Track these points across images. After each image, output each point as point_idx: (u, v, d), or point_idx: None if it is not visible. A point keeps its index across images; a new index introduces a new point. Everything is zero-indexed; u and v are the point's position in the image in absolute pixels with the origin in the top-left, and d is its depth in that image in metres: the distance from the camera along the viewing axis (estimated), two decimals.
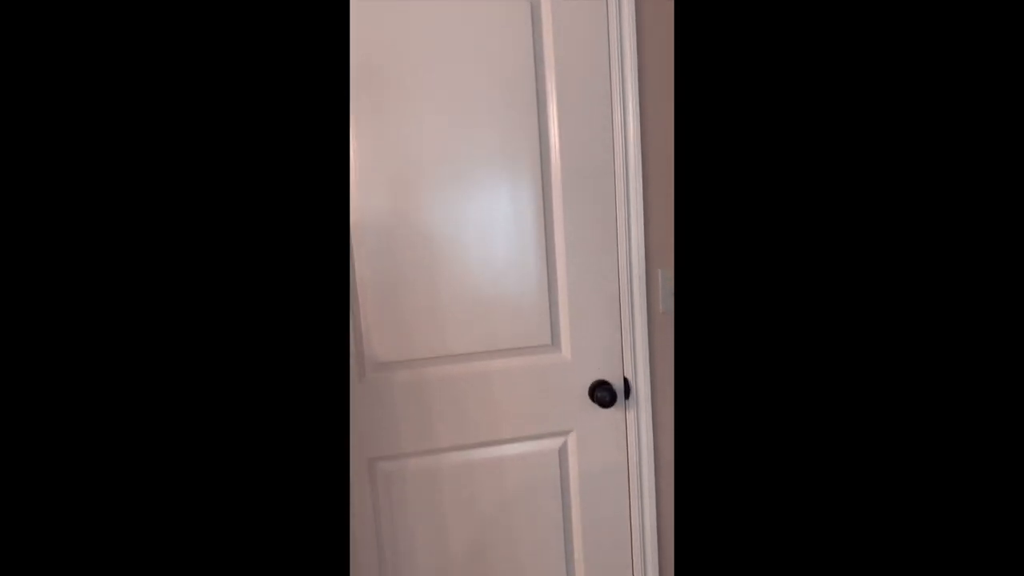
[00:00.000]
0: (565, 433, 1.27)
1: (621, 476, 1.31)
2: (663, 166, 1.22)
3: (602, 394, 1.22)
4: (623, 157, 1.19)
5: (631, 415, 1.28)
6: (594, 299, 1.24)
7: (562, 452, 1.28)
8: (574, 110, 1.17)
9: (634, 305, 1.25)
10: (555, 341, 1.24)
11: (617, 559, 1.34)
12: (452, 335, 1.20)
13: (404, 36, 1.10)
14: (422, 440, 1.21)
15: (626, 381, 1.27)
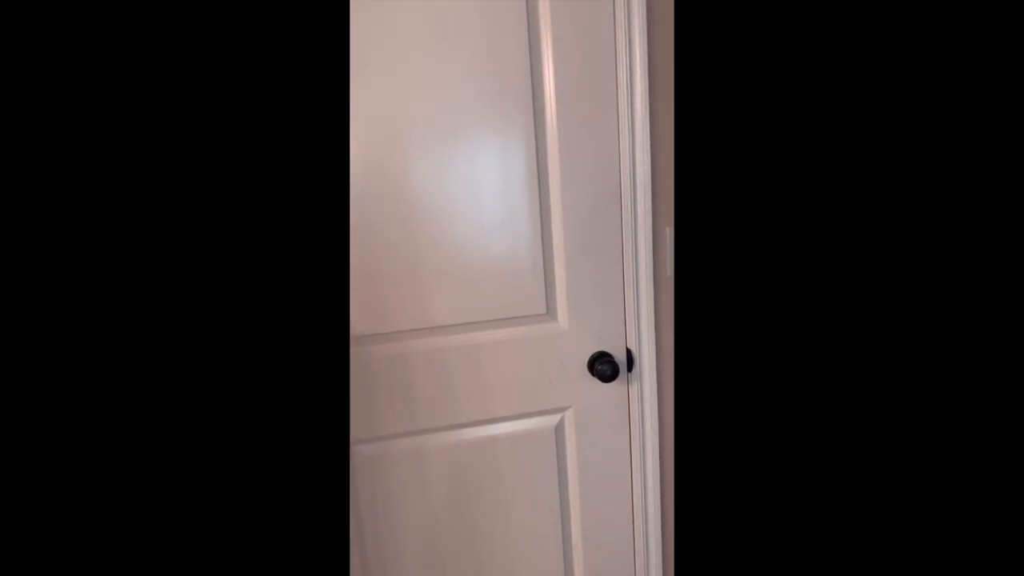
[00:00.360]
0: (562, 410, 1.16)
1: (623, 455, 1.20)
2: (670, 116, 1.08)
3: (602, 367, 1.10)
4: (628, 100, 1.05)
5: (634, 389, 1.17)
6: (594, 262, 1.11)
7: (559, 430, 1.17)
8: (572, 49, 1.02)
9: (639, 268, 1.12)
10: (550, 310, 1.12)
11: (618, 544, 1.26)
12: (436, 305, 1.07)
13: None
14: (404, 420, 1.09)
15: (629, 353, 1.16)
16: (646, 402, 1.18)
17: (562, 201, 1.07)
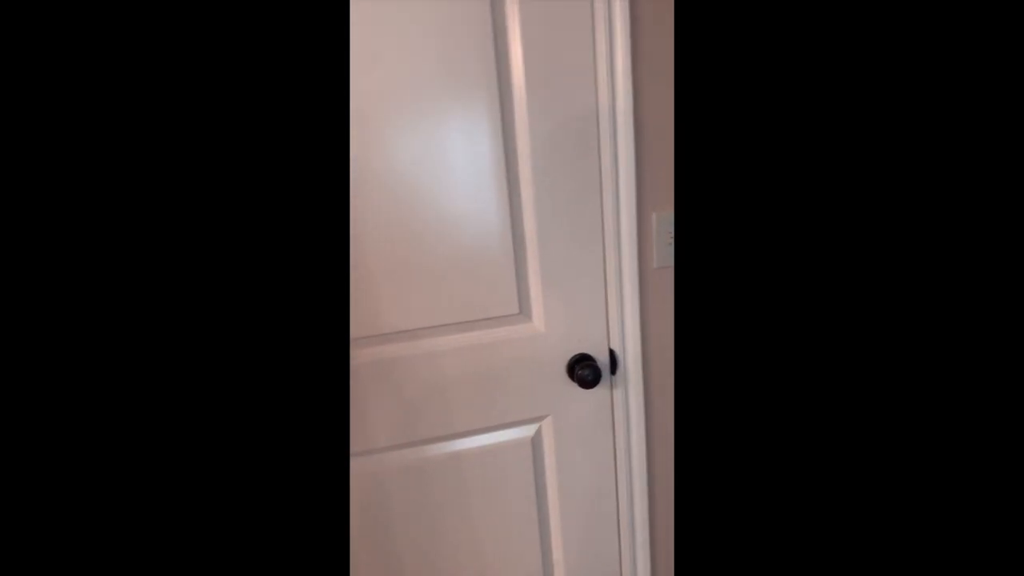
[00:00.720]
0: (539, 419, 1.04)
1: (607, 467, 1.09)
2: (662, 75, 0.94)
3: (583, 372, 0.98)
4: (608, 66, 0.90)
5: (619, 394, 1.05)
6: (571, 255, 0.97)
7: (536, 442, 1.05)
8: (541, 9, 0.87)
9: (622, 260, 0.99)
10: (524, 309, 0.99)
11: (603, 562, 1.15)
12: (388, 308, 0.93)
13: None
14: (355, 439, 0.96)
15: (612, 354, 1.03)
16: (632, 408, 1.06)
17: (534, 187, 0.93)
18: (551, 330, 1.00)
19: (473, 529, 1.06)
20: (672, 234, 1.01)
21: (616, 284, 1.00)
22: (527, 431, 1.04)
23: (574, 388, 1.03)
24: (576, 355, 1.02)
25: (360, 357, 0.93)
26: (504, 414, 1.01)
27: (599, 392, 1.05)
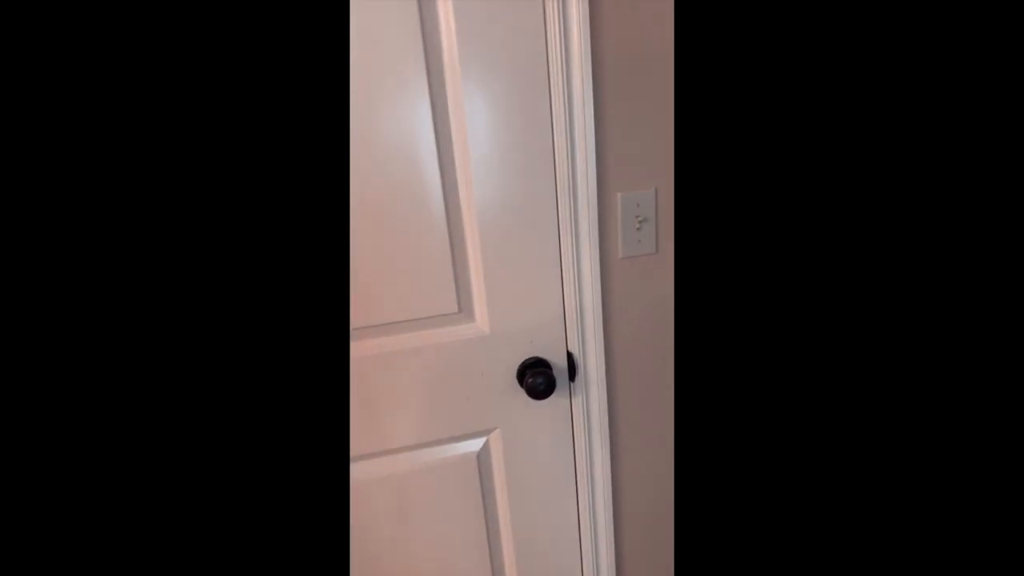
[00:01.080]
0: (485, 433, 0.91)
1: (567, 488, 0.96)
2: (626, 29, 0.77)
3: (534, 379, 0.84)
4: (559, 22, 0.74)
5: (578, 403, 0.91)
6: (521, 244, 0.82)
7: (482, 458, 0.92)
8: None
9: (580, 250, 0.84)
10: (464, 307, 0.84)
11: None
12: None
13: None
14: None
15: (571, 358, 0.89)
16: (594, 420, 0.92)
17: (473, 161, 0.77)
18: (497, 331, 0.85)
19: (409, 556, 0.93)
20: (641, 218, 0.86)
21: (574, 277, 0.85)
22: (472, 445, 0.90)
23: (527, 397, 0.89)
24: (528, 360, 0.88)
25: None
26: (444, 428, 0.88)
27: (556, 401, 0.91)
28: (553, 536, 0.98)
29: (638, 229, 0.86)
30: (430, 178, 0.77)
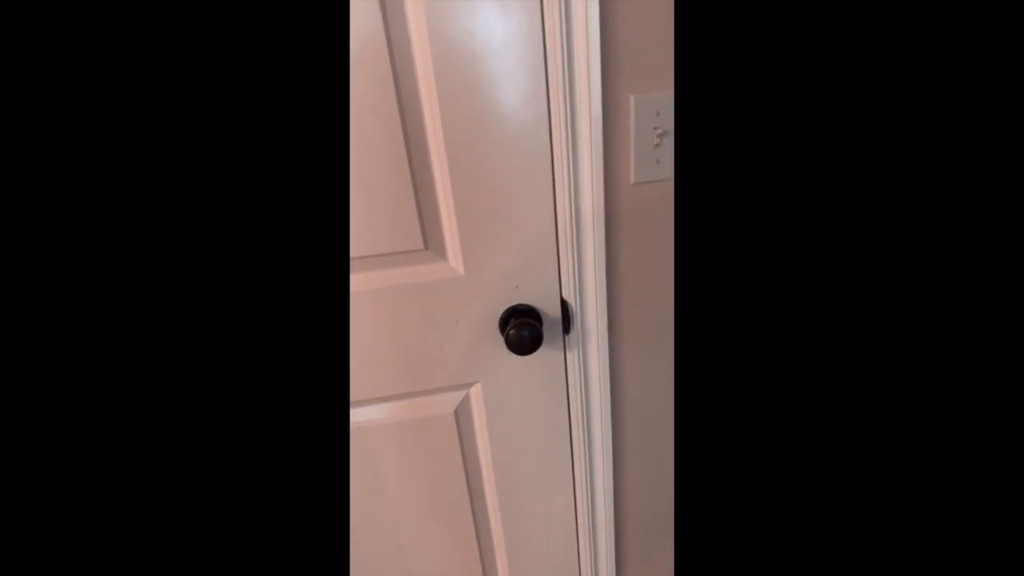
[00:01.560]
0: (464, 387, 0.78)
1: (560, 450, 0.83)
2: None
3: (518, 331, 0.69)
4: None
5: (573, 359, 0.77)
6: (500, 166, 0.65)
7: (461, 415, 0.80)
8: None
9: (578, 172, 0.66)
10: (432, 244, 0.69)
11: (560, 573, 0.93)
12: None
13: None
14: None
15: (566, 307, 0.74)
16: (591, 376, 0.78)
17: (432, 58, 0.58)
18: (474, 273, 0.70)
19: (381, 511, 0.85)
20: (661, 131, 0.65)
21: (570, 207, 0.67)
22: (449, 400, 0.78)
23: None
24: (513, 307, 0.73)
25: None
26: (415, 380, 0.75)
27: (547, 355, 0.77)
28: (546, 510, 0.88)
29: (657, 145, 0.66)
30: (380, 82, 0.59)
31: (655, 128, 0.65)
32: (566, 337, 0.76)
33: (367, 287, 0.69)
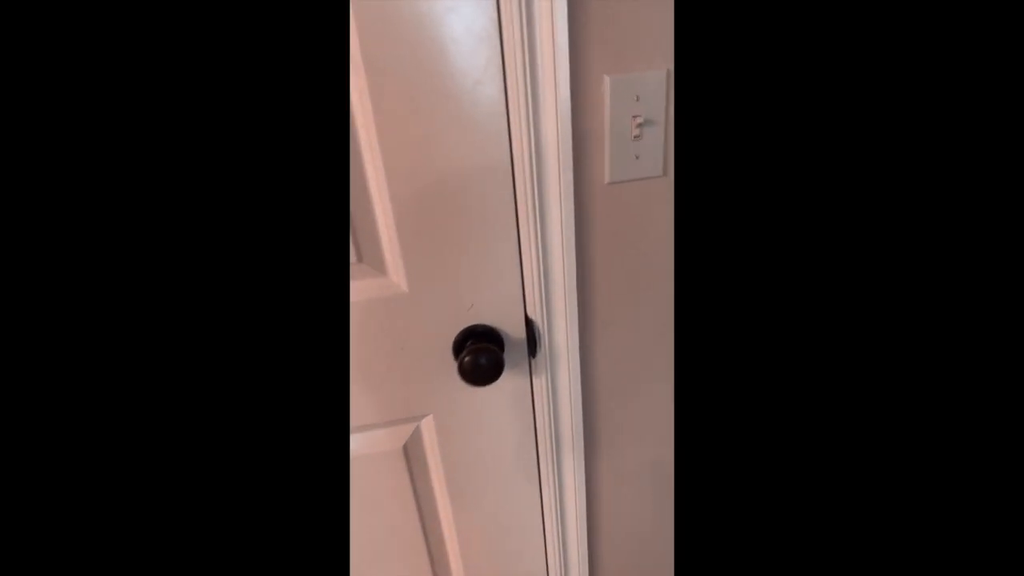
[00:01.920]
0: (413, 420, 0.67)
1: (529, 488, 0.73)
2: None
3: (474, 359, 0.58)
4: None
5: (541, 384, 0.66)
6: (449, 156, 0.53)
7: (411, 450, 0.69)
8: None
9: (542, 172, 0.55)
10: (367, 256, 0.57)
11: None
12: None
13: None
14: None
15: (531, 327, 0.63)
16: (563, 405, 0.67)
17: (356, 15, 0.46)
18: (420, 290, 0.58)
19: None
20: (641, 119, 0.54)
21: (532, 212, 0.56)
22: (395, 435, 0.67)
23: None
24: (468, 327, 0.61)
25: None
26: (354, 414, 0.64)
27: (510, 382, 0.66)
28: (517, 550, 0.77)
29: (636, 137, 0.55)
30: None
31: (634, 116, 0.54)
32: (532, 361, 0.65)
33: None
